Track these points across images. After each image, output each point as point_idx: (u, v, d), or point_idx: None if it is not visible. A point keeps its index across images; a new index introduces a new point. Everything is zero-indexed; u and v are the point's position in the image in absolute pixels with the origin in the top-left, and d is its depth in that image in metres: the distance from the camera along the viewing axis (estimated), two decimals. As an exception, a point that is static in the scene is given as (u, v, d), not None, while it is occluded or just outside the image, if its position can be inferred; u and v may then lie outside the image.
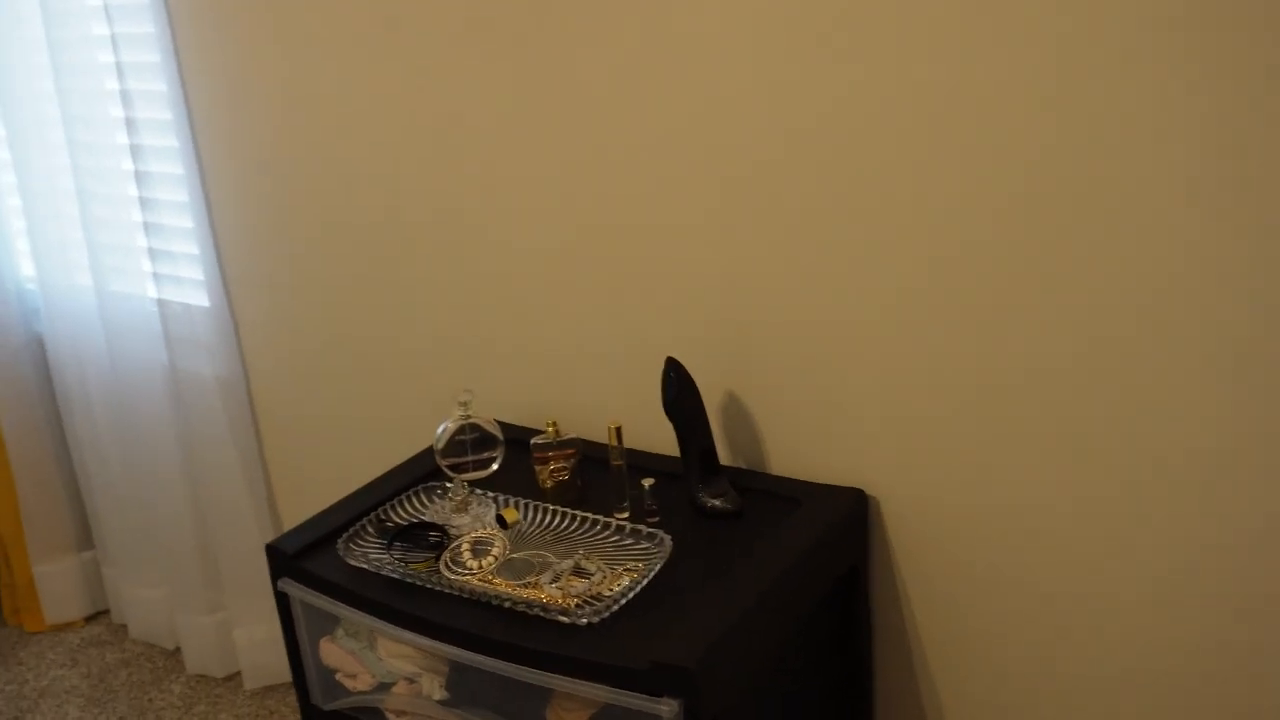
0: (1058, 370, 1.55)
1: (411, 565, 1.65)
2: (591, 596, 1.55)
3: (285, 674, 2.66)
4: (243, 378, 2.49)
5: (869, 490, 1.75)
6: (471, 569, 1.63)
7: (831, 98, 1.59)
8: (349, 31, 2.02)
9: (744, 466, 1.87)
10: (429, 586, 1.62)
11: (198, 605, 2.69)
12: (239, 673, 2.72)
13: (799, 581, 1.60)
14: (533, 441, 1.81)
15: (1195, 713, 1.60)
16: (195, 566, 2.66)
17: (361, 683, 1.72)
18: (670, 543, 1.64)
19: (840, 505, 1.72)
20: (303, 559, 1.72)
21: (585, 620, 1.51)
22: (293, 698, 2.64)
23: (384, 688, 1.70)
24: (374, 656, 1.69)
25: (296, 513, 2.56)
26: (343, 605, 1.66)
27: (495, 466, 1.88)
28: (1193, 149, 1.37)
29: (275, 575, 1.74)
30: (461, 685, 1.64)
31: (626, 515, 1.75)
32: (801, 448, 1.79)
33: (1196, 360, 1.45)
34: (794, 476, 1.81)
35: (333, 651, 1.73)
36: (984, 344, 1.59)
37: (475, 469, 1.87)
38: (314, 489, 2.49)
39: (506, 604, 1.56)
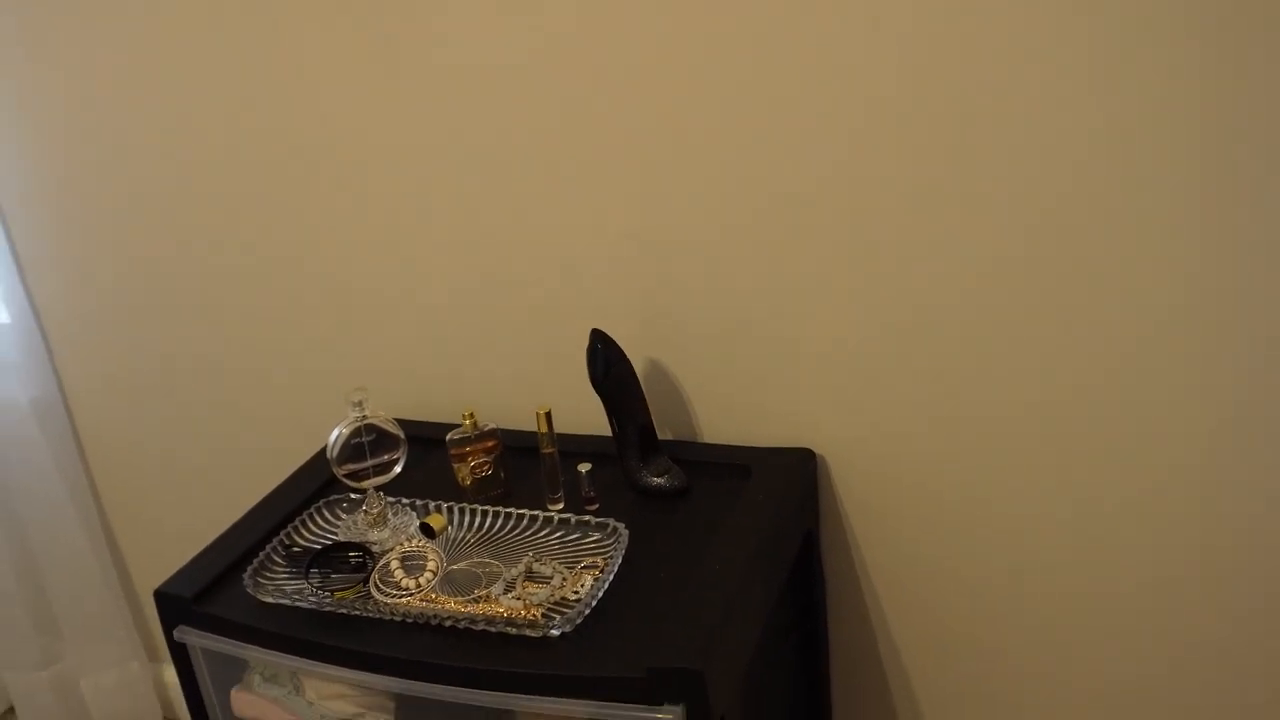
0: (998, 309, 1.47)
1: (337, 593, 1.45)
2: (556, 603, 1.40)
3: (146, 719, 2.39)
4: (59, 398, 2.19)
5: (815, 448, 1.65)
6: (408, 588, 1.45)
7: (750, 44, 1.46)
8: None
9: (671, 438, 1.73)
10: (363, 614, 1.42)
11: (29, 659, 2.37)
12: (89, 726, 2.42)
13: (769, 557, 1.49)
14: (449, 437, 1.63)
15: (1152, 642, 1.58)
16: (23, 615, 2.34)
17: (287, 732, 1.51)
18: (626, 532, 1.49)
19: (792, 468, 1.61)
20: (202, 602, 1.49)
21: (558, 631, 1.35)
22: (155, 745, 2.37)
23: (315, 734, 1.50)
24: (303, 702, 1.48)
25: (142, 544, 2.29)
26: (260, 649, 1.44)
27: (398, 469, 1.68)
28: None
29: (170, 624, 1.50)
30: (412, 720, 1.46)
31: (561, 506, 1.59)
32: (738, 412, 1.67)
33: (1143, 294, 1.40)
34: (732, 443, 1.69)
35: (249, 701, 1.51)
36: (922, 286, 1.50)
37: (376, 473, 1.66)
38: (163, 517, 2.22)
39: (460, 623, 1.38)
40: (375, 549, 1.52)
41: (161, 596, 1.50)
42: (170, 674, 2.37)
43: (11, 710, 2.49)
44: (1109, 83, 1.32)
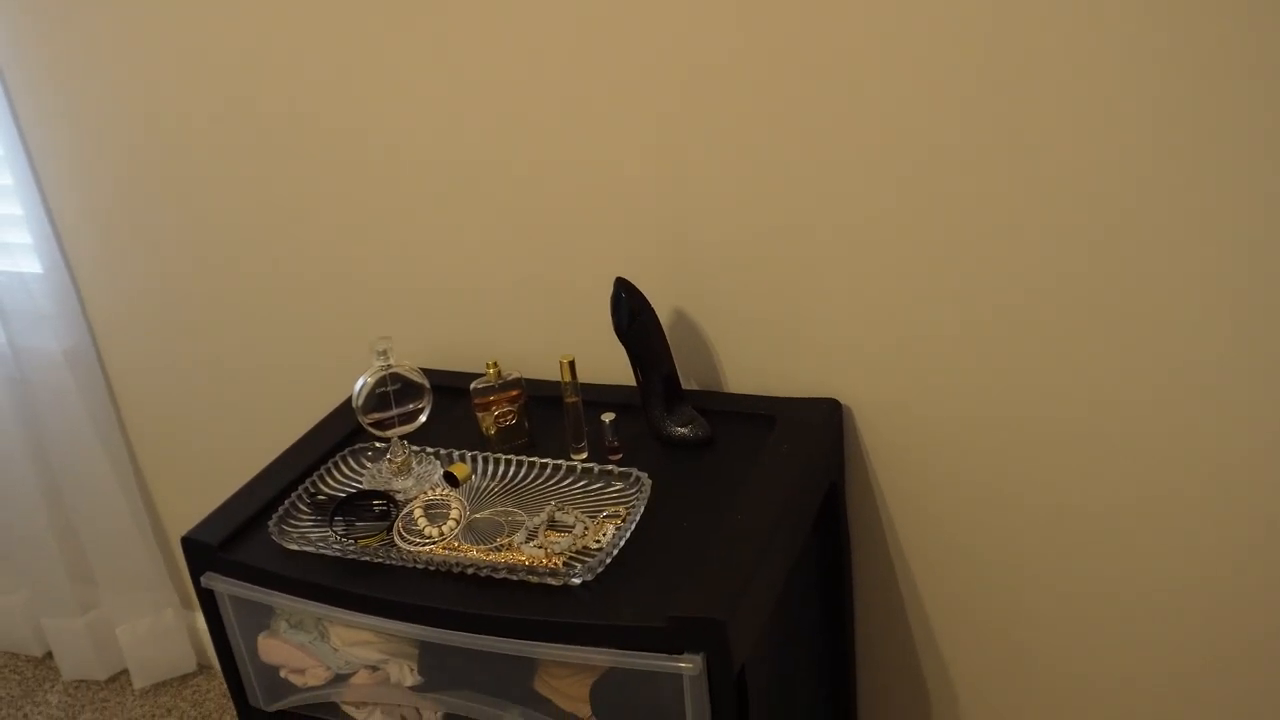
0: (1030, 269, 1.45)
1: (361, 541, 1.45)
2: (578, 552, 1.39)
3: (179, 668, 2.43)
4: (92, 349, 2.21)
5: (841, 399, 1.63)
6: (431, 537, 1.45)
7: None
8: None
9: (696, 388, 1.72)
10: (386, 562, 1.43)
11: (66, 606, 2.41)
12: (125, 672, 2.46)
13: (793, 508, 1.48)
14: (473, 386, 1.62)
15: (1175, 616, 1.56)
16: (58, 563, 2.38)
17: (313, 677, 1.52)
18: (649, 482, 1.48)
19: (818, 419, 1.59)
20: (229, 549, 1.50)
21: (579, 579, 1.35)
22: (190, 691, 2.40)
23: (341, 679, 1.51)
24: (328, 648, 1.49)
25: (175, 493, 2.31)
26: (286, 596, 1.45)
27: (423, 418, 1.68)
28: None
29: (196, 571, 1.51)
30: (435, 667, 1.46)
31: (584, 455, 1.59)
32: (763, 362, 1.66)
33: (1175, 252, 1.37)
34: (757, 393, 1.67)
35: (275, 647, 1.52)
36: (951, 240, 1.48)
37: (401, 423, 1.67)
38: (195, 466, 2.24)
39: (482, 571, 1.38)
40: (399, 497, 1.52)
41: (188, 543, 1.52)
42: (204, 621, 2.39)
43: (49, 656, 2.54)
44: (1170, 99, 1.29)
